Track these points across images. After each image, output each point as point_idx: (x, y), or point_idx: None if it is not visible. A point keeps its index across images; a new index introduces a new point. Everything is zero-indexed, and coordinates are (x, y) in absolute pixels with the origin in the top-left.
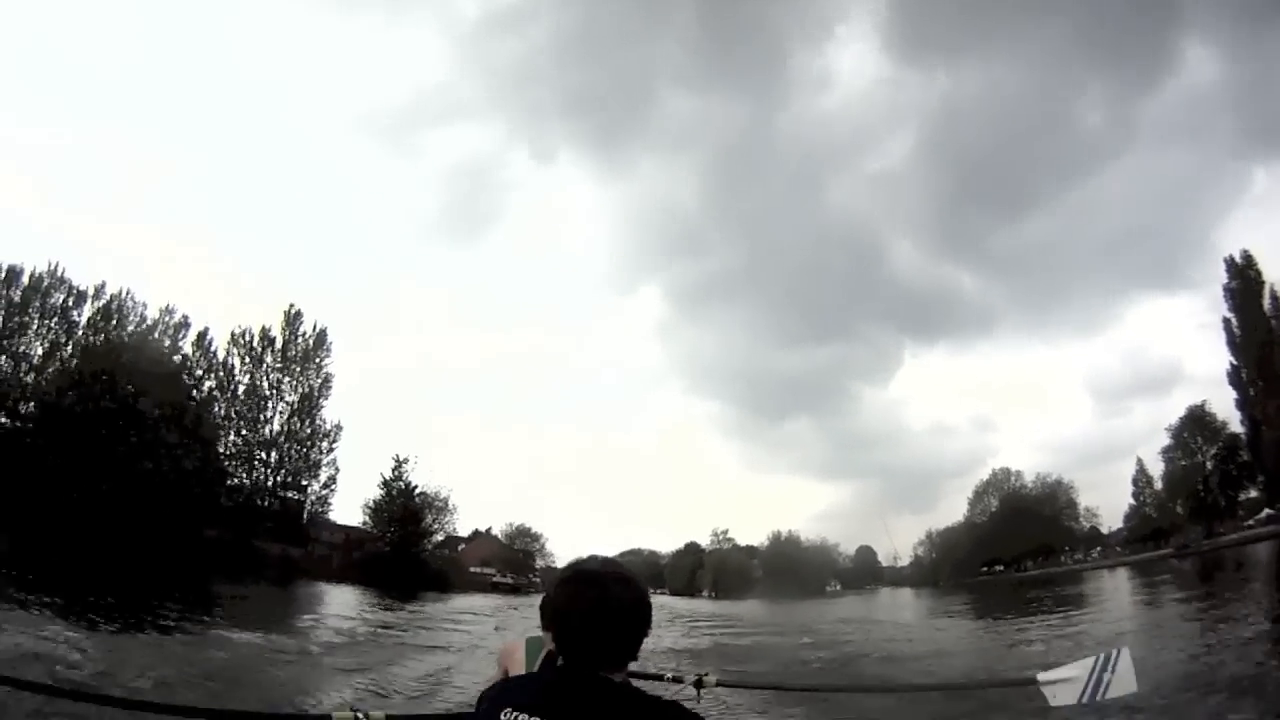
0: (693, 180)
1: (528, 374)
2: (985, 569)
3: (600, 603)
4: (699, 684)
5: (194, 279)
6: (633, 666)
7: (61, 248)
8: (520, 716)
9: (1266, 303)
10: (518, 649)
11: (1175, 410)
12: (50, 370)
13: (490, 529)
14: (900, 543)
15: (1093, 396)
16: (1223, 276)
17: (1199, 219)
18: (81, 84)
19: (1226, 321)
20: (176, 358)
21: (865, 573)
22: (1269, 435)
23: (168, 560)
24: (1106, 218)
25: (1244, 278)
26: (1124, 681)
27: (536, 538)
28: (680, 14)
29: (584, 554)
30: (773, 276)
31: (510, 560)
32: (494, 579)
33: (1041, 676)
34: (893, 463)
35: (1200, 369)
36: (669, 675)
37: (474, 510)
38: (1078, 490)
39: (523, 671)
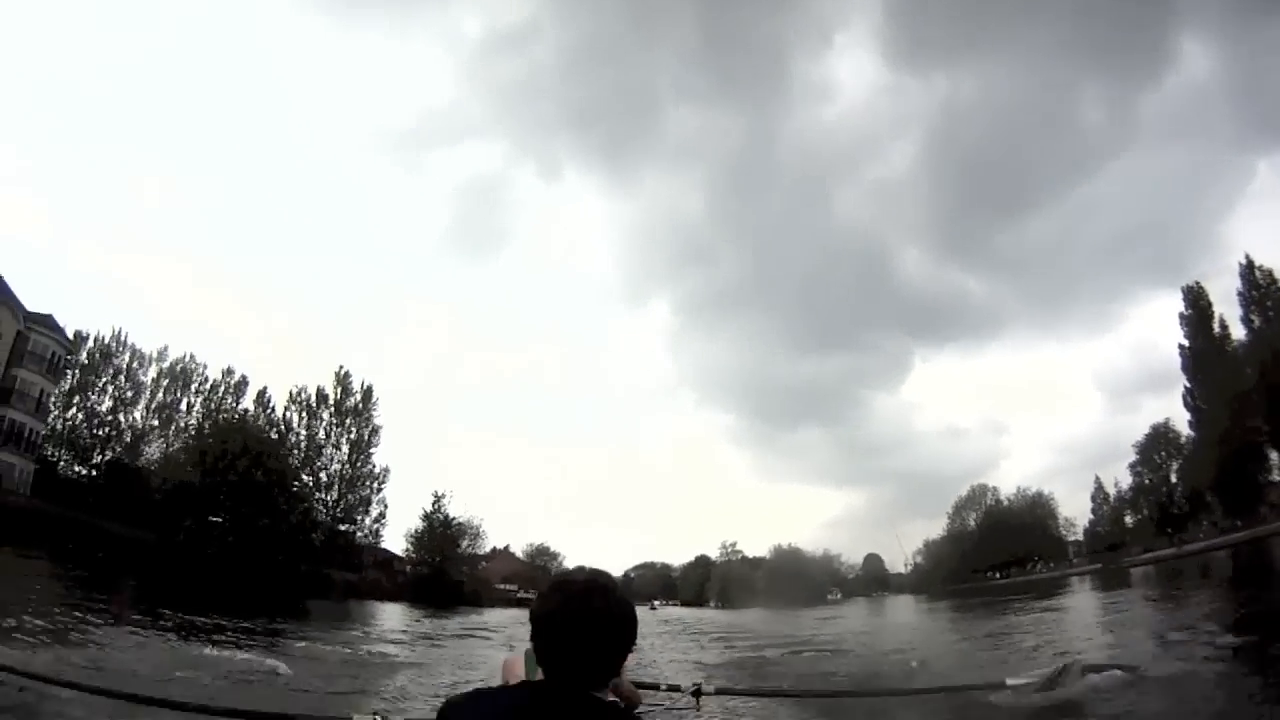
0: (698, 192)
1: (540, 389)
2: (986, 573)
3: (582, 615)
4: (697, 693)
5: (215, 309)
6: (631, 676)
7: (70, 273)
8: None
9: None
10: (518, 663)
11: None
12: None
13: (508, 546)
14: (910, 549)
15: (1103, 394)
16: (1233, 269)
17: (1202, 213)
18: (87, 107)
19: (1182, 347)
20: (256, 423)
21: (873, 580)
22: (1215, 455)
23: (278, 589)
24: (1110, 215)
25: (1197, 306)
26: (1078, 684)
27: (555, 556)
28: (681, 28)
29: (600, 569)
30: (781, 286)
31: (531, 577)
32: (518, 594)
33: (1010, 681)
34: (905, 468)
35: None
36: (664, 685)
37: (490, 523)
38: (1057, 502)
39: None
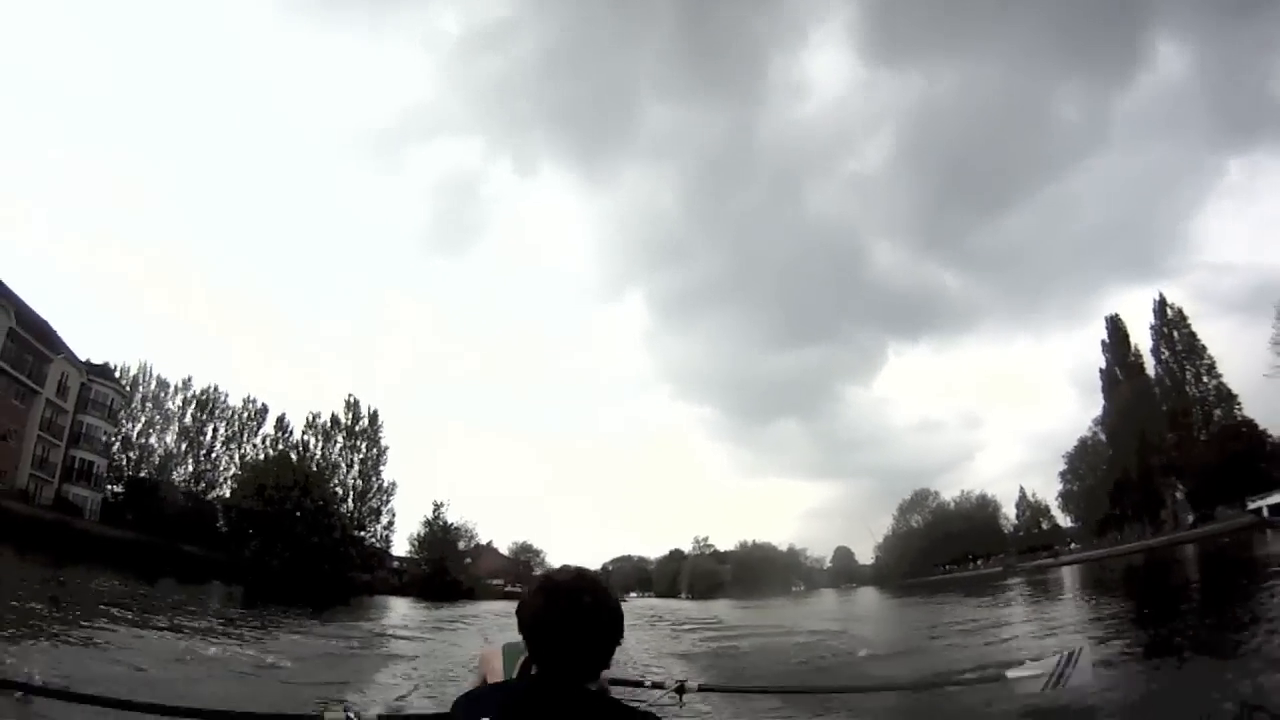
0: (675, 188)
1: (519, 384)
2: (934, 568)
3: (572, 612)
4: (680, 689)
5: (196, 311)
6: (614, 672)
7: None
8: None
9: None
10: (495, 657)
11: None
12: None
13: (491, 542)
14: (876, 543)
15: (1076, 388)
16: (1206, 265)
17: (1175, 210)
18: (63, 109)
19: (1102, 371)
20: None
21: (842, 573)
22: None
23: (327, 592)
24: (1085, 212)
25: (1116, 335)
26: (1084, 674)
27: (537, 552)
28: (659, 25)
29: (580, 563)
30: (756, 281)
31: (516, 573)
32: (505, 589)
33: (1010, 673)
34: (881, 461)
35: None
36: (649, 682)
37: (476, 518)
38: (1000, 504)
39: (500, 679)
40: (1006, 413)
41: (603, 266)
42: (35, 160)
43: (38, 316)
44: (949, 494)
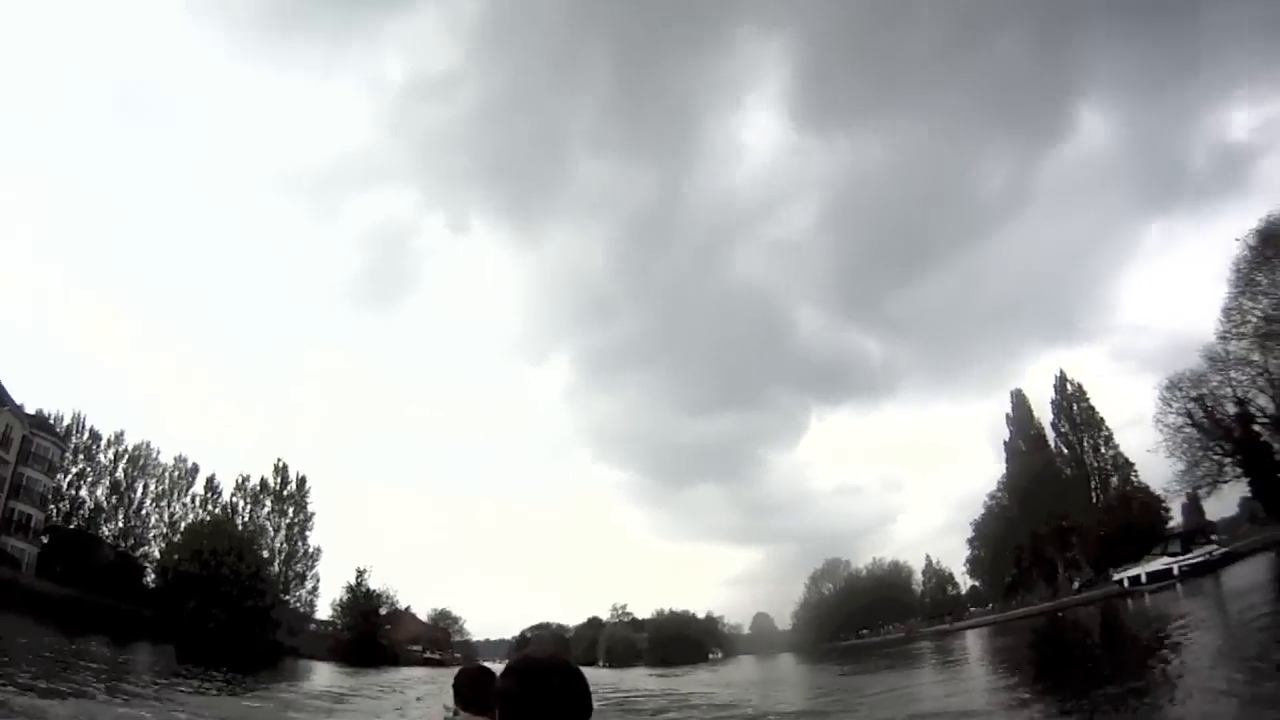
0: (604, 247)
1: (437, 441)
2: (843, 635)
3: (554, 695)
4: None
5: (109, 351)
6: None
7: None
8: None
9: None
10: None
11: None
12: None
13: (410, 607)
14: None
15: (994, 450)
16: (1123, 327)
17: (1095, 273)
18: None
19: (1006, 443)
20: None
21: (761, 639)
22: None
23: (255, 654)
24: (1005, 276)
25: (1019, 409)
26: None
27: (455, 619)
28: (598, 80)
29: (498, 630)
30: (680, 343)
31: (434, 639)
32: (424, 654)
33: None
34: (803, 526)
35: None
36: None
37: (390, 578)
38: (912, 569)
39: None
40: (926, 476)
41: (528, 325)
42: None
43: None
44: (863, 561)
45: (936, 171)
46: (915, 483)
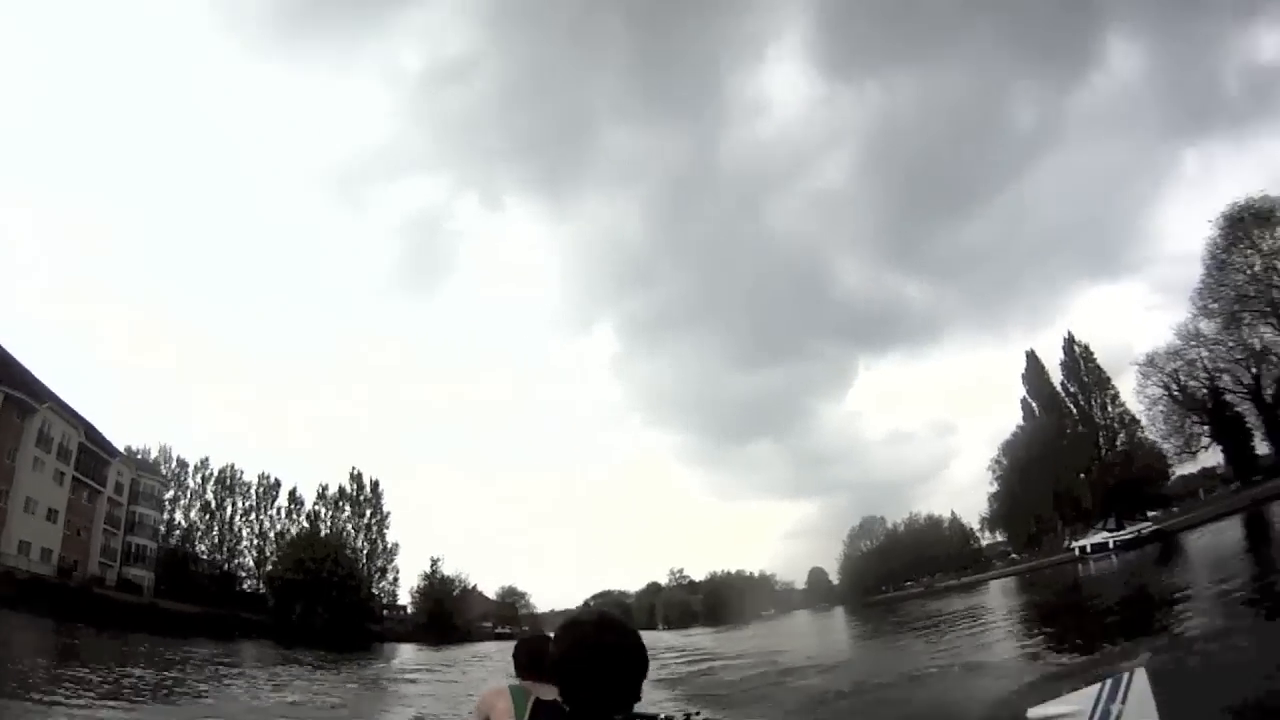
0: (639, 213)
1: (491, 421)
2: (883, 588)
3: (602, 650)
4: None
5: (165, 360)
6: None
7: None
8: None
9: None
10: (501, 698)
11: (1129, 391)
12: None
13: (477, 586)
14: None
15: None
16: (1166, 256)
17: (1134, 205)
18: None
19: (1023, 400)
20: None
21: (816, 593)
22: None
23: (353, 641)
24: (1045, 213)
25: (1032, 369)
26: (1140, 709)
27: (522, 595)
28: (616, 51)
29: (563, 602)
30: (723, 302)
31: (502, 614)
32: (495, 630)
33: (1032, 713)
34: (856, 476)
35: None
36: (663, 716)
37: (457, 559)
38: (945, 523)
39: None
40: (978, 419)
41: (569, 297)
42: None
43: (97, 431)
44: (914, 509)
45: (969, 111)
46: (968, 426)
